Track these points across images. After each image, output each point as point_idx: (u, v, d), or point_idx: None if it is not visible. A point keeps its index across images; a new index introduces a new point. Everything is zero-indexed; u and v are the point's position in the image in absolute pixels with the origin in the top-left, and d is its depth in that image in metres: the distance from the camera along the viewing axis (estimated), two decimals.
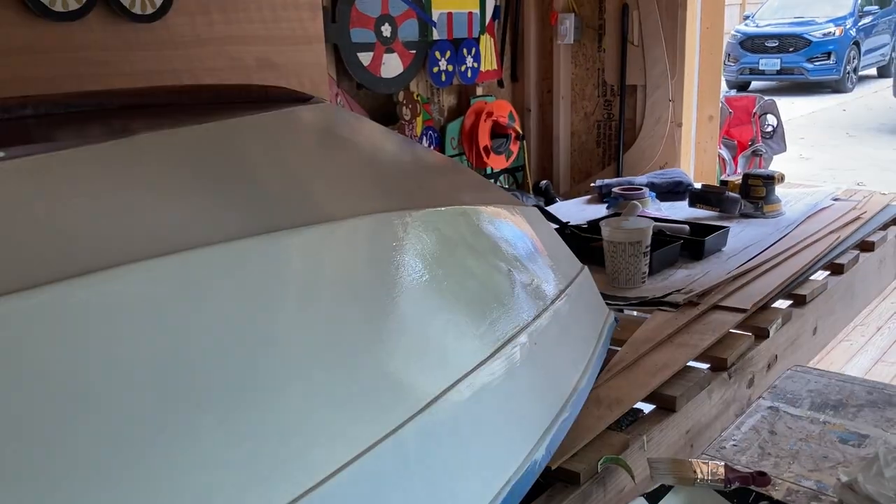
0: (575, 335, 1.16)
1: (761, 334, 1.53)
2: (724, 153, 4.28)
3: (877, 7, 13.65)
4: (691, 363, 1.38)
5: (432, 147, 3.10)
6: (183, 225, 0.73)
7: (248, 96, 1.09)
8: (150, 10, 2.10)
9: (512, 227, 1.20)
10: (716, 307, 1.58)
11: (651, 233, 1.73)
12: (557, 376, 1.01)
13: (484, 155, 3.27)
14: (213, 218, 0.78)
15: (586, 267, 1.43)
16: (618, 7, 3.10)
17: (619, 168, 3.28)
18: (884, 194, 6.47)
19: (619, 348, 1.44)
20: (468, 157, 3.26)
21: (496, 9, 3.25)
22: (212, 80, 2.29)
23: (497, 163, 3.35)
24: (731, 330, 1.51)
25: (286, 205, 0.88)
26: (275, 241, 0.78)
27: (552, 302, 1.10)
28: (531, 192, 3.34)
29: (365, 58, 2.71)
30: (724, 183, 2.36)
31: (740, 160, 4.31)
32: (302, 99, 1.14)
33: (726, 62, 13.12)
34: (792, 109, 10.90)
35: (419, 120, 3.02)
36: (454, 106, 3.28)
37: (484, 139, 3.25)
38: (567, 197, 3.46)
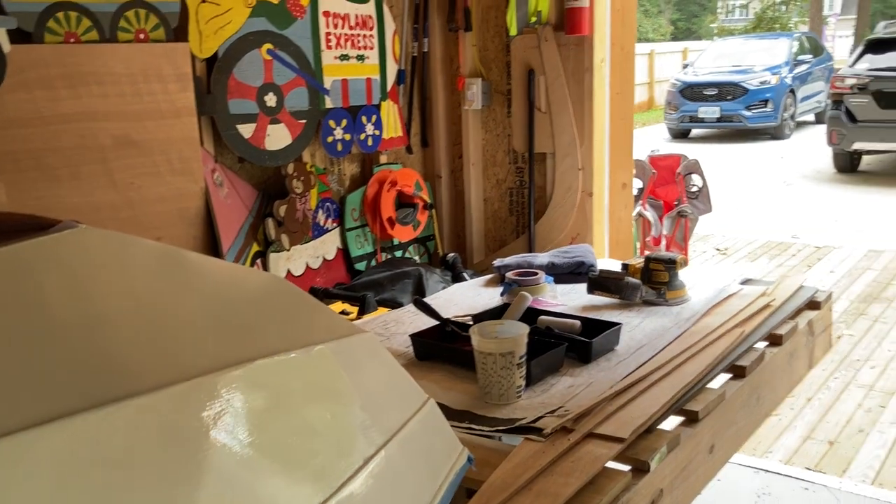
0: None
1: (642, 467, 1.33)
2: (650, 214, 4.16)
3: (810, 55, 14.00)
4: None
5: (330, 220, 2.90)
6: None
7: None
8: None
9: (322, 382, 0.99)
10: (591, 435, 1.38)
11: (525, 341, 1.54)
12: None
13: (388, 226, 3.07)
14: None
15: (432, 399, 1.21)
16: (523, 72, 2.96)
17: (530, 239, 3.10)
18: (819, 247, 6.44)
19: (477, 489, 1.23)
20: (372, 229, 3.06)
21: (400, 73, 3.08)
22: (59, 160, 2.06)
23: (403, 234, 3.15)
24: (606, 465, 1.31)
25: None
26: None
27: (347, 481, 0.88)
28: (440, 264, 3.14)
29: (246, 130, 2.50)
30: (625, 266, 2.19)
31: (666, 221, 4.18)
32: (41, 227, 0.92)
33: (667, 111, 13.29)
34: (731, 157, 11.00)
35: (314, 192, 2.81)
36: (357, 175, 3.09)
37: (388, 210, 3.05)
38: (480, 268, 3.28)
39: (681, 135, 13.45)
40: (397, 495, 0.99)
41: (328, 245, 2.93)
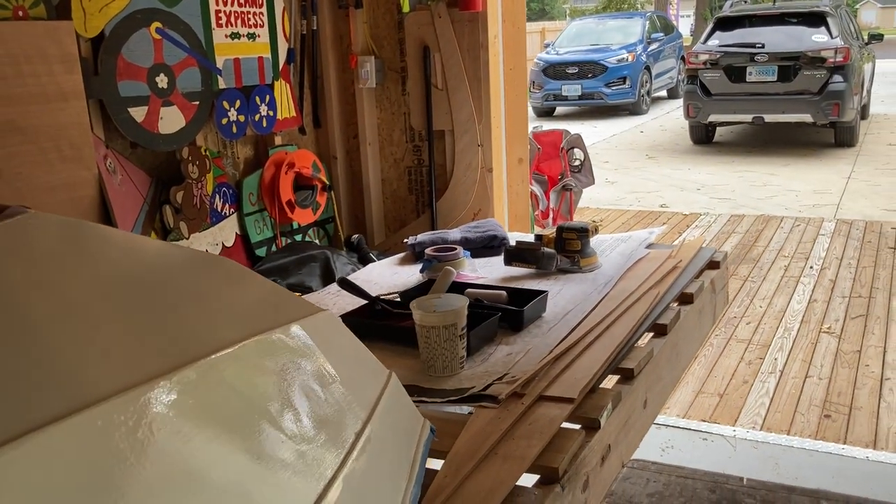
0: (376, 489, 0.94)
1: (592, 425, 1.38)
2: (536, 189, 4.26)
3: (662, 34, 14.69)
4: (521, 480, 1.19)
5: (227, 205, 2.80)
6: None
7: None
8: None
9: (303, 363, 0.96)
10: (542, 398, 1.41)
11: (466, 312, 1.55)
12: None
13: (288, 210, 3.00)
14: None
15: (392, 373, 1.20)
16: (418, 49, 2.95)
17: (433, 217, 3.12)
18: (686, 214, 6.80)
19: (440, 463, 1.23)
20: (270, 213, 2.98)
21: (290, 52, 3.01)
22: None
23: (303, 217, 3.09)
24: (561, 425, 1.34)
25: None
26: None
27: (345, 459, 0.86)
28: (343, 246, 3.10)
29: (138, 113, 2.37)
30: (539, 237, 2.24)
31: (552, 195, 4.31)
32: None
33: (531, 89, 13.60)
34: (595, 133, 11.42)
35: (210, 177, 2.70)
36: (251, 158, 2.99)
37: (286, 193, 2.98)
38: (383, 248, 3.26)
39: (545, 113, 13.83)
40: (387, 469, 0.98)
41: (227, 231, 2.84)
